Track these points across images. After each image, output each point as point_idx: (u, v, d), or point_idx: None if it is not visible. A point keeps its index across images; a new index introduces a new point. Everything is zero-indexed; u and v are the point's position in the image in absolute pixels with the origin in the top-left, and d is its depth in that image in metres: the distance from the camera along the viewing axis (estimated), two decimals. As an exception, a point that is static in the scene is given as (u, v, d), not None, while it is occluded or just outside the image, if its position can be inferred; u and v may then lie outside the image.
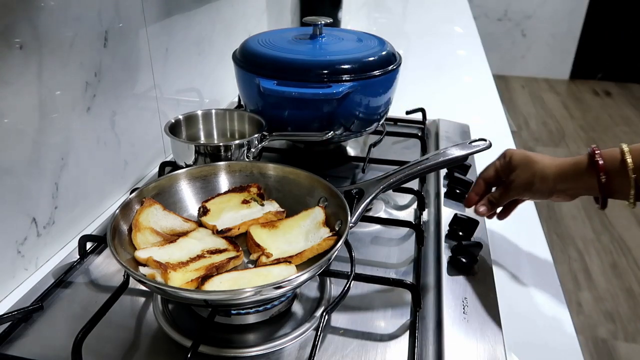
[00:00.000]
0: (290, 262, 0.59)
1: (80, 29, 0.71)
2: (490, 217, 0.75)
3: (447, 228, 0.75)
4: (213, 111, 0.93)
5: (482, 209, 0.72)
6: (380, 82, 0.87)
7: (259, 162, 0.75)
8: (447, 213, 0.79)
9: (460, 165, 0.88)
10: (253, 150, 0.83)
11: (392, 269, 0.69)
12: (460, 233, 0.73)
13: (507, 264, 0.73)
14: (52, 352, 0.55)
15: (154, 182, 0.69)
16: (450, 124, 1.13)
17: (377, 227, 0.78)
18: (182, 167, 0.80)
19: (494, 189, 0.74)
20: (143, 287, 0.64)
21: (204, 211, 0.69)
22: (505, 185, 0.71)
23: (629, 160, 0.59)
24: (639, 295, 2.18)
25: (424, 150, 1.03)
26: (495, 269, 0.69)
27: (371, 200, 0.66)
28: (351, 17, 2.28)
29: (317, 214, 0.66)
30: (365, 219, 0.73)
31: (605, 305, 2.14)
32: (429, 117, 1.14)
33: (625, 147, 0.61)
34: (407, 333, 0.58)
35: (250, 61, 0.88)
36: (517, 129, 3.74)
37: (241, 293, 0.50)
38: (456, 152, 0.70)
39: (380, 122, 0.97)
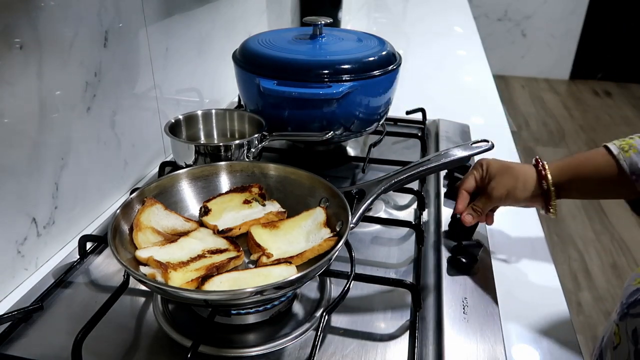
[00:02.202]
0: (290, 263, 0.59)
1: (80, 29, 0.71)
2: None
3: (447, 228, 0.75)
4: (213, 111, 0.93)
5: (468, 217, 0.73)
6: (380, 82, 0.87)
7: (260, 162, 0.75)
8: (447, 213, 0.79)
9: (461, 165, 0.88)
10: (253, 150, 0.83)
11: (392, 269, 0.69)
12: (459, 233, 0.73)
13: (507, 264, 0.73)
14: (52, 352, 0.55)
15: (155, 182, 0.69)
16: (450, 124, 1.13)
17: (377, 227, 0.78)
18: (182, 167, 0.80)
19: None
20: (143, 287, 0.64)
21: (205, 211, 0.69)
22: (487, 194, 0.72)
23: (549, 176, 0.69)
24: (639, 295, 2.18)
25: (424, 150, 1.03)
26: (495, 269, 0.69)
27: (372, 201, 0.66)
28: (351, 17, 2.28)
29: (318, 214, 0.66)
30: (366, 219, 0.73)
31: (605, 305, 2.14)
32: (429, 117, 1.14)
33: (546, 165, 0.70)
34: (407, 333, 0.59)
35: (250, 61, 0.88)
36: (517, 129, 3.74)
37: (241, 293, 0.50)
38: (458, 153, 0.70)
39: (380, 122, 0.97)
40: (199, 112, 0.92)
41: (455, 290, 0.64)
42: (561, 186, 0.69)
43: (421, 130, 1.08)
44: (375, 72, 0.85)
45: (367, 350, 0.56)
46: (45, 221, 0.70)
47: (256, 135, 0.84)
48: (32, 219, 0.68)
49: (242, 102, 1.00)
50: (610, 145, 0.67)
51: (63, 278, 0.66)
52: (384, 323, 0.60)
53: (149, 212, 0.65)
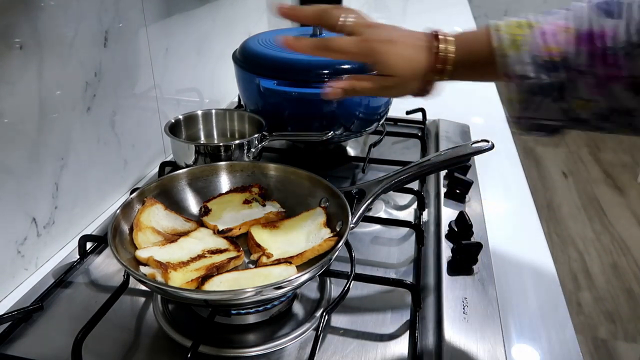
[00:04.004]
0: (290, 263, 0.59)
1: (80, 29, 0.71)
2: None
3: (447, 228, 0.75)
4: (213, 111, 0.93)
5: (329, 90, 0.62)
6: (381, 82, 0.87)
7: (260, 162, 0.75)
8: (447, 213, 0.79)
9: (461, 165, 0.88)
10: (253, 150, 0.83)
11: (392, 269, 0.69)
12: (459, 233, 0.73)
13: (507, 264, 0.73)
14: (52, 352, 0.55)
15: (155, 182, 0.69)
16: (450, 124, 1.13)
17: (377, 227, 0.78)
18: (182, 167, 0.80)
19: None
20: (143, 287, 0.64)
21: (205, 211, 0.70)
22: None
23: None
24: (639, 295, 2.18)
25: (424, 150, 1.03)
26: (495, 269, 0.69)
27: (372, 201, 0.66)
28: (351, 17, 2.27)
29: (318, 214, 0.66)
30: (366, 219, 0.73)
31: (605, 305, 2.14)
32: (429, 117, 1.14)
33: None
34: (407, 333, 0.58)
35: (250, 61, 0.88)
36: (517, 129, 3.73)
37: (241, 293, 0.50)
38: (458, 153, 0.70)
39: (380, 122, 0.97)
40: (199, 112, 0.92)
41: (455, 290, 0.64)
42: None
43: (421, 130, 1.08)
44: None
45: (367, 350, 0.56)
46: (45, 221, 0.70)
47: (256, 135, 0.84)
48: (32, 219, 0.68)
49: (242, 102, 1.00)
50: (500, 34, 0.55)
51: (63, 278, 0.66)
52: (384, 323, 0.60)
53: (149, 212, 0.65)
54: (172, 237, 0.64)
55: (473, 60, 0.58)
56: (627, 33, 0.49)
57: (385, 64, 0.59)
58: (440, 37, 0.59)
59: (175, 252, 0.61)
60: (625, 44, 0.49)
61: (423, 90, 0.61)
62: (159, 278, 0.56)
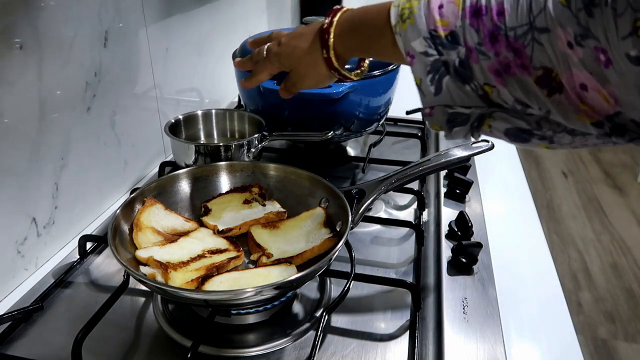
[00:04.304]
0: (290, 263, 0.59)
1: (80, 29, 0.71)
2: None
3: (447, 228, 0.75)
4: (213, 111, 0.93)
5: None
6: (380, 82, 0.87)
7: (260, 162, 0.75)
8: (447, 213, 0.79)
9: (461, 165, 0.88)
10: (253, 150, 0.83)
11: (392, 269, 0.69)
12: (459, 233, 0.73)
13: (507, 264, 0.73)
14: (52, 352, 0.55)
15: (155, 182, 0.69)
16: (451, 124, 1.13)
17: (377, 227, 0.78)
18: (182, 167, 0.80)
19: None
20: (143, 287, 0.64)
21: (205, 211, 0.70)
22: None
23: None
24: (639, 295, 2.18)
25: (424, 150, 1.03)
26: (495, 269, 0.69)
27: (372, 201, 0.66)
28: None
29: (318, 214, 0.66)
30: (366, 219, 0.73)
31: (605, 305, 2.14)
32: (429, 117, 1.14)
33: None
34: (407, 333, 0.58)
35: (250, 61, 0.88)
36: (517, 129, 3.73)
37: (241, 293, 0.50)
38: (458, 153, 0.70)
39: (380, 122, 0.97)
40: (199, 112, 0.92)
41: (455, 290, 0.64)
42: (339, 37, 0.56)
43: (421, 130, 1.08)
44: (375, 72, 0.85)
45: (367, 350, 0.56)
46: (45, 221, 0.70)
47: (256, 135, 0.84)
48: (32, 219, 0.68)
49: (242, 102, 1.00)
50: (392, 10, 0.49)
51: (63, 278, 0.66)
52: (384, 323, 0.60)
53: (149, 212, 0.65)
54: (172, 237, 0.64)
55: (366, 35, 0.53)
56: (517, 9, 0.40)
57: (283, 64, 0.65)
58: (337, 10, 0.57)
59: (175, 252, 0.61)
60: (514, 23, 0.41)
61: (338, 73, 0.60)
62: (159, 278, 0.56)
